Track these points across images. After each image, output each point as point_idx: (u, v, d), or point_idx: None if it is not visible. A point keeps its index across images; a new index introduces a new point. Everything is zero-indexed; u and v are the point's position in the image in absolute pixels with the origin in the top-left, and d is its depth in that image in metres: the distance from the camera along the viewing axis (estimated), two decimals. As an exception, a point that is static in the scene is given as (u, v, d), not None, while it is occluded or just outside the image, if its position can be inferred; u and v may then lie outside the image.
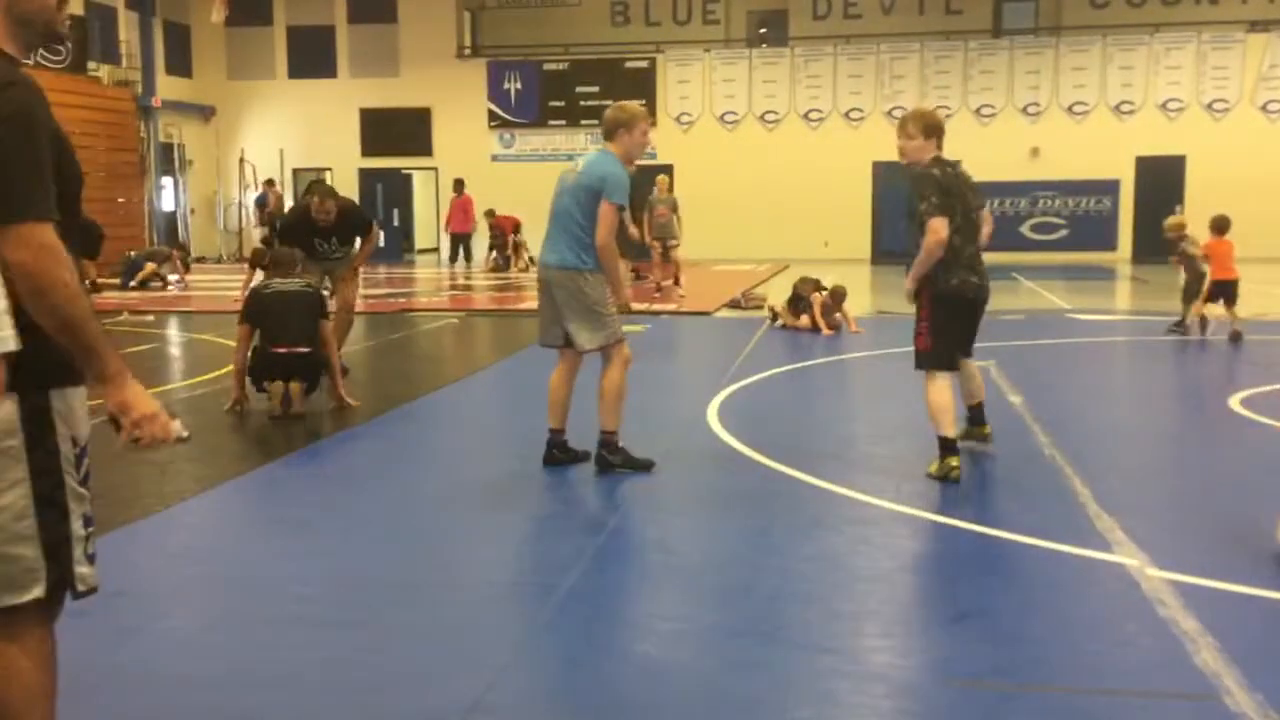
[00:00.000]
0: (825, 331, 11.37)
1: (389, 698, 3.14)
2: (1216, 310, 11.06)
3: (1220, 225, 11.44)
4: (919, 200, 5.39)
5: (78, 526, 2.23)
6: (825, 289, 11.74)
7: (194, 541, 4.77)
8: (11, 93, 2.10)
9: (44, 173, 2.12)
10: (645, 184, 26.68)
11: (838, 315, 11.63)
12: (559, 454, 5.77)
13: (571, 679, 3.32)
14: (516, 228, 21.88)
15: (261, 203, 24.88)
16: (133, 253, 19.18)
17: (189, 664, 3.41)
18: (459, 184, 23.63)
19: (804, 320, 11.63)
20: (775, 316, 12.13)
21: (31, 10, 2.23)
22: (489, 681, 3.25)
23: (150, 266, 17.90)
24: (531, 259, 20.80)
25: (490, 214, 22.03)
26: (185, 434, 2.31)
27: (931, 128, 5.56)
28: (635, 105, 5.76)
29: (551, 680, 3.33)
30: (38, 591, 2.18)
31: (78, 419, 2.25)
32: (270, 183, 25.18)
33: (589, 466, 5.72)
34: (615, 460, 5.64)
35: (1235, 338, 10.63)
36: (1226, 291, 10.98)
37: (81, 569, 2.25)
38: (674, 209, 16.12)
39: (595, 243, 5.44)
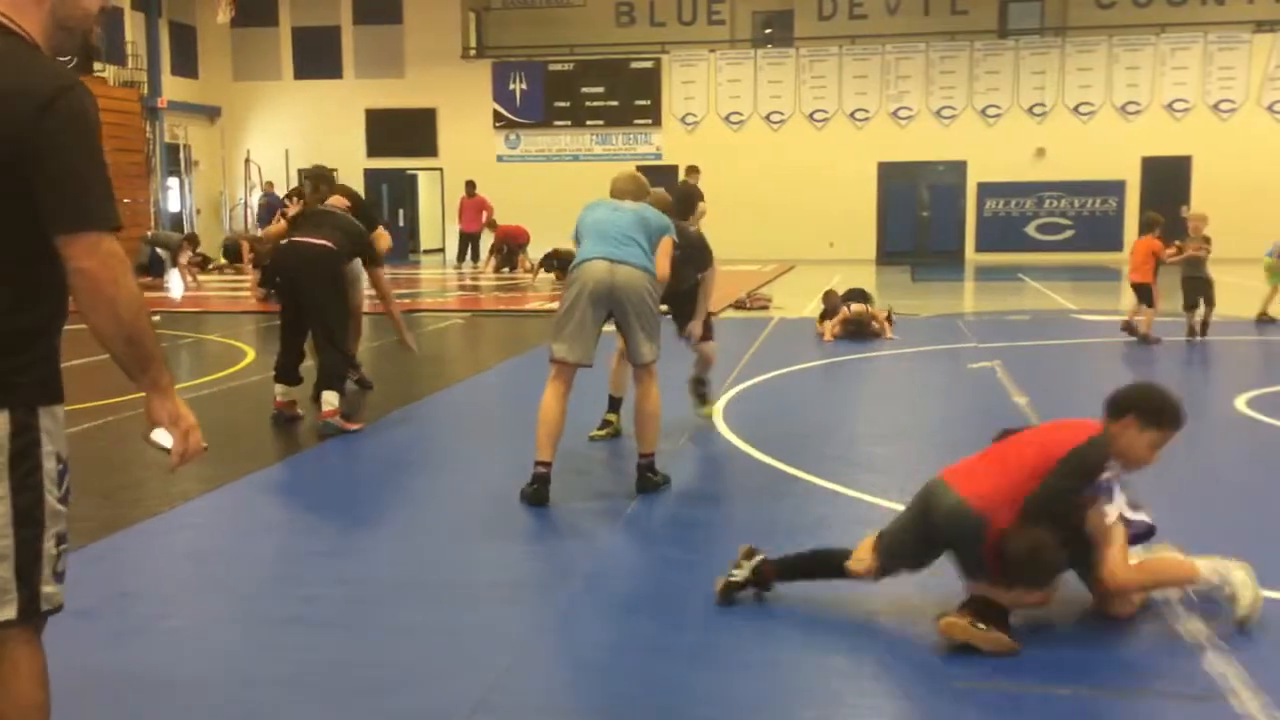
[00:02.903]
0: (826, 338, 11.13)
1: (393, 698, 3.14)
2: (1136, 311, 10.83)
3: (1142, 223, 11.17)
4: (708, 254, 6.71)
5: (50, 545, 2.17)
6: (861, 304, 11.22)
7: (199, 542, 4.78)
8: (72, 96, 2.06)
9: (108, 179, 2.09)
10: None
11: (874, 325, 11.11)
12: (546, 490, 5.11)
13: (575, 679, 3.32)
14: (525, 242, 21.43)
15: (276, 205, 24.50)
16: (149, 234, 19.13)
17: (193, 664, 3.41)
18: (470, 185, 23.57)
19: (873, 325, 11.11)
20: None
21: (75, 16, 2.20)
22: (492, 682, 3.25)
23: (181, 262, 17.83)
24: (533, 265, 20.62)
25: (492, 225, 21.82)
26: (204, 445, 2.31)
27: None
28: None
29: (554, 680, 3.32)
30: (10, 613, 2.12)
31: (62, 436, 2.21)
32: (271, 185, 25.00)
33: (590, 468, 5.71)
34: (659, 480, 5.33)
35: (1145, 341, 10.51)
36: (1138, 294, 10.78)
37: (48, 588, 2.18)
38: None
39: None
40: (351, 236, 7.17)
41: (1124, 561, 3.53)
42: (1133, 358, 10.29)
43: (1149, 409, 3.62)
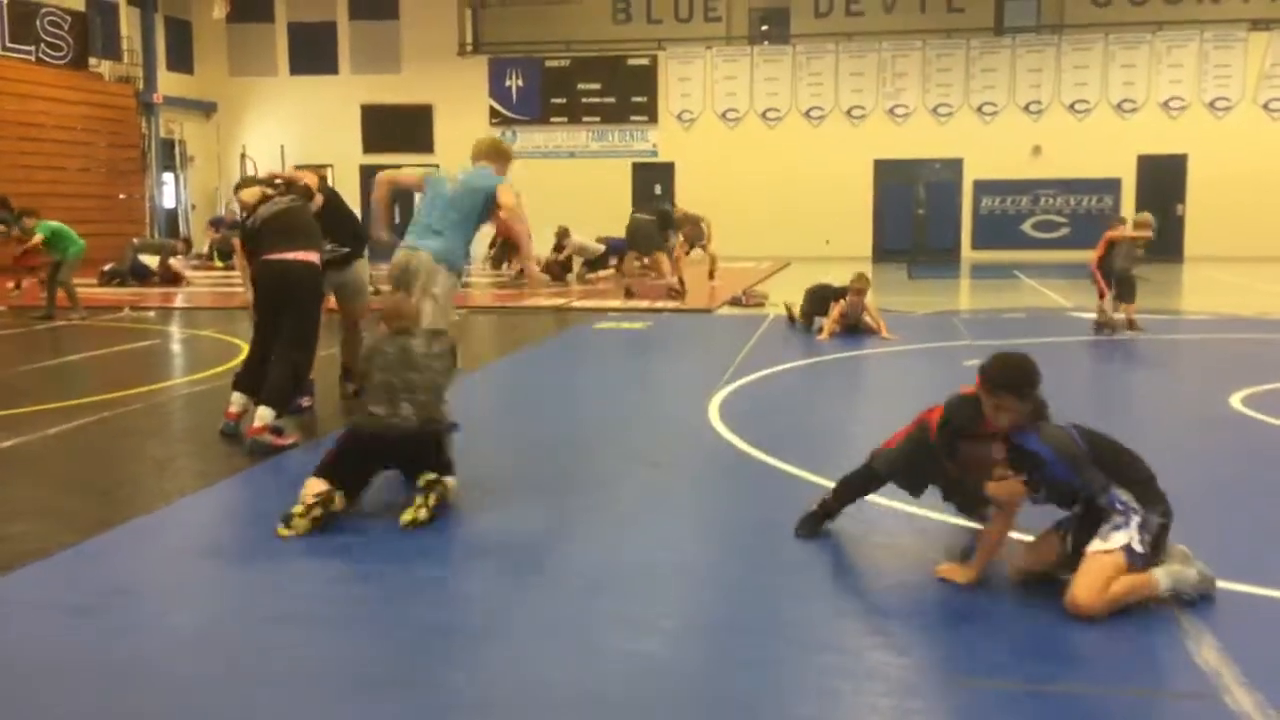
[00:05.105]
0: (823, 336, 11.02)
1: (388, 695, 3.14)
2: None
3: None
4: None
5: None
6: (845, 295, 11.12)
7: (195, 538, 4.77)
8: None
9: None
10: (646, 183, 26.70)
11: (866, 319, 11.09)
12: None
13: (572, 676, 3.32)
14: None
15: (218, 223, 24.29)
16: (136, 240, 19.05)
17: (189, 662, 3.41)
18: None
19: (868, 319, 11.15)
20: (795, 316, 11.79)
21: None
22: (489, 679, 3.25)
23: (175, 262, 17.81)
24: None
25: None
26: None
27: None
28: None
29: (551, 678, 3.32)
30: None
31: None
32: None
33: (591, 467, 5.71)
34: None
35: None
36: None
37: None
38: (697, 222, 17.67)
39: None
40: (316, 236, 6.74)
41: (1091, 590, 3.60)
42: (1130, 355, 10.31)
43: (983, 372, 3.99)
